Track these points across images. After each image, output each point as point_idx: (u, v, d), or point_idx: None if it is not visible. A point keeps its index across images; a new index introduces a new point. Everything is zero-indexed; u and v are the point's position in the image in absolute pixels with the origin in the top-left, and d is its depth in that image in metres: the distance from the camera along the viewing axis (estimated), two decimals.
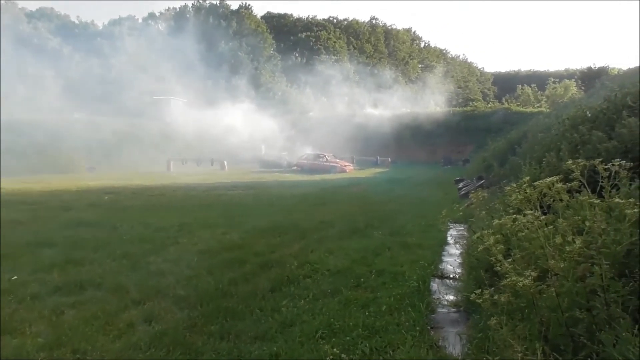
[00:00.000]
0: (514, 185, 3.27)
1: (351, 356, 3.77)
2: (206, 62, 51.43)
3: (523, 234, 2.80)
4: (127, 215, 11.25)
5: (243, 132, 37.95)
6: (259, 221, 10.47)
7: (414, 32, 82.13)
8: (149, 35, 53.34)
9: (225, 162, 34.93)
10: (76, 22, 61.02)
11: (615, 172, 2.94)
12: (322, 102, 56.50)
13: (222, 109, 40.27)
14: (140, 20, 62.80)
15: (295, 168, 34.90)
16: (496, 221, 2.92)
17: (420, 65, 78.30)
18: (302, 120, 48.88)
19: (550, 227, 2.75)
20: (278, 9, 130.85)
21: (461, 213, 8.28)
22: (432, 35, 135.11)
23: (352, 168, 33.88)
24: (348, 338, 4.08)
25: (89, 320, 4.54)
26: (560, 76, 58.77)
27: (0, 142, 25.66)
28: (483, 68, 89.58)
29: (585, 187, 2.97)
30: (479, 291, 2.73)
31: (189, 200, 15.13)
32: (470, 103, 56.89)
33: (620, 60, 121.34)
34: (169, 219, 10.62)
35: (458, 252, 6.98)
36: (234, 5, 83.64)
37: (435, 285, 5.49)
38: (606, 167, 2.91)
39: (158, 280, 5.78)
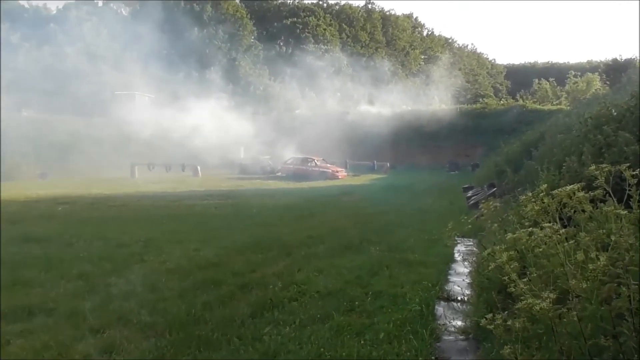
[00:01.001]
0: (530, 194, 3.28)
1: None
2: (176, 52, 51.32)
3: (540, 249, 2.78)
4: (84, 229, 11.19)
5: (219, 133, 37.92)
6: (237, 236, 10.50)
7: (416, 19, 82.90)
8: (109, 20, 53.03)
9: (199, 168, 34.91)
10: (26, 5, 60.70)
11: None
12: (310, 98, 56.75)
13: (194, 107, 40.23)
14: (100, 4, 62.55)
15: (279, 174, 34.89)
16: (510, 235, 2.91)
17: (422, 57, 79.02)
18: (286, 119, 49.03)
19: (571, 242, 2.72)
20: None
21: (470, 226, 8.30)
22: (436, 22, 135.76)
23: (345, 174, 34.06)
24: None
25: (39, 352, 4.49)
26: (582, 69, 59.28)
27: (0, 144, 26.80)
28: (494, 60, 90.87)
29: (610, 196, 2.95)
30: (490, 316, 2.69)
31: (157, 211, 15.14)
32: (480, 100, 57.47)
33: None
34: (133, 233, 10.60)
35: (466, 270, 7.02)
36: None
37: (440, 309, 5.52)
38: (634, 173, 2.87)
39: (120, 304, 5.74)
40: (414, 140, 45.16)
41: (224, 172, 36.33)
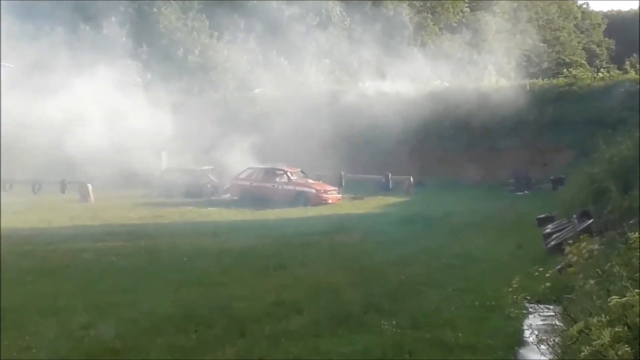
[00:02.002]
0: None
1: None
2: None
3: None
4: None
5: (123, 130, 37.83)
6: (155, 302, 10.52)
7: None
8: None
9: (90, 187, 34.86)
10: None
11: None
12: (279, 68, 56.95)
13: (79, 84, 40.08)
14: None
15: (227, 196, 35.30)
16: (615, 299, 2.91)
17: (466, 3, 78.59)
18: (240, 104, 49.32)
19: None
20: None
21: (549, 283, 8.35)
22: None
23: (339, 196, 34.28)
24: None
25: None
26: None
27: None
28: (587, 5, 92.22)
29: None
30: None
31: (17, 262, 14.98)
32: (565, 71, 57.72)
33: None
34: None
35: (545, 359, 7.05)
36: None
37: None
38: None
39: None
40: (454, 139, 45.24)
41: (132, 194, 36.33)
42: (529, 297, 9.24)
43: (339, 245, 18.06)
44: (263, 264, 14.53)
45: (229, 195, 35.16)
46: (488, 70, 58.28)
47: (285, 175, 34.47)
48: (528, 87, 47.39)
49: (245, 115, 45.50)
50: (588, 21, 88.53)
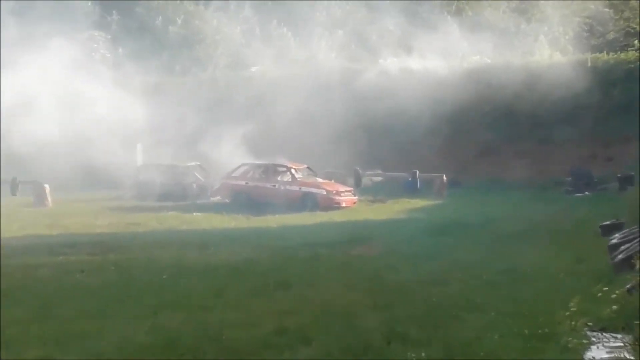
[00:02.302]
0: None
1: None
2: None
3: None
4: None
5: (87, 117, 37.86)
6: (128, 331, 10.50)
7: None
8: None
9: (47, 188, 34.95)
10: None
11: None
12: (281, 41, 56.92)
13: (37, 61, 40.05)
14: None
15: (216, 199, 35.59)
16: None
17: None
18: (233, 86, 49.59)
19: None
20: None
21: (616, 306, 8.32)
22: None
23: (354, 199, 34.49)
24: None
25: None
26: None
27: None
28: None
29: None
30: None
31: None
32: (637, 42, 57.28)
33: None
34: None
35: None
36: None
37: None
38: None
39: None
40: (497, 128, 45.08)
41: (100, 197, 36.57)
42: (591, 324, 9.25)
43: (355, 260, 18.10)
44: (261, 283, 14.50)
45: (219, 197, 35.40)
46: (539, 42, 57.73)
47: (288, 173, 34.60)
48: (589, 64, 47.07)
49: (240, 99, 45.66)
50: None
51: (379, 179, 41.07)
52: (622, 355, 8.01)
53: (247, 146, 38.57)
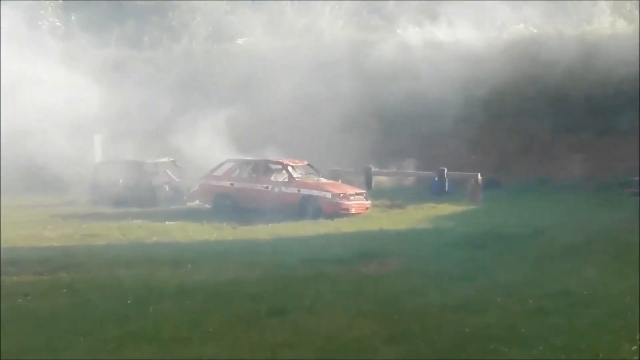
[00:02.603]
0: None
1: None
2: None
3: None
4: None
5: (30, 103, 37.82)
6: None
7: None
8: None
9: None
10: None
11: None
12: (274, 9, 56.78)
13: None
14: None
15: (196, 204, 35.92)
16: None
17: None
18: (214, 62, 49.78)
19: None
20: None
21: None
22: None
23: (367, 204, 34.54)
24: None
25: None
26: None
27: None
28: None
29: None
30: None
31: None
32: None
33: None
34: None
35: None
36: None
37: None
38: None
39: None
40: (545, 115, 45.01)
41: (48, 201, 36.54)
42: None
43: (368, 280, 17.99)
44: (250, 309, 14.32)
45: (197, 202, 35.60)
46: (599, 7, 57.51)
47: (284, 171, 34.62)
48: None
49: (223, 79, 45.72)
50: None
51: (397, 178, 41.09)
52: None
53: (233, 138, 38.54)
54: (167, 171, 38.09)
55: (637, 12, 55.91)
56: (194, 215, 32.69)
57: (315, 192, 33.33)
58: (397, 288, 16.72)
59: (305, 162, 35.76)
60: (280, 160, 35.19)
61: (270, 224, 29.13)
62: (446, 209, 34.38)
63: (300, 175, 34.42)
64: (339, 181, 35.69)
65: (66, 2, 50.64)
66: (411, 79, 43.89)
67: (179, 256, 21.54)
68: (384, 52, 47.49)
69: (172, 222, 30.10)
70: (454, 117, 42.92)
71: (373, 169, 39.10)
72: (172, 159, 38.83)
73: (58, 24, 47.01)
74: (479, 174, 40.05)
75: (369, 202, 34.63)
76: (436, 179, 40.35)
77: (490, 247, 22.61)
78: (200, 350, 11.30)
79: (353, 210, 32.81)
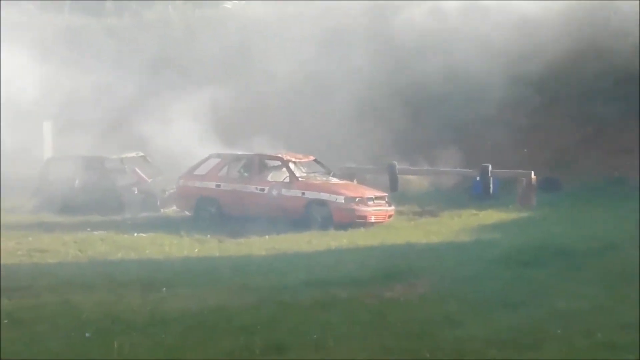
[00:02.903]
0: None
1: None
2: None
3: None
4: None
5: None
6: None
7: None
8: None
9: None
10: None
11: None
12: None
13: None
14: None
15: (172, 210, 36.24)
16: None
17: None
18: (196, 30, 49.94)
19: None
20: None
21: None
22: None
23: (390, 210, 34.57)
24: None
25: None
26: None
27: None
28: None
29: None
30: None
31: None
32: None
33: None
34: None
35: None
36: None
37: None
38: None
39: None
40: (618, 99, 44.84)
41: None
42: None
43: (391, 307, 17.90)
44: (241, 344, 14.24)
45: (174, 208, 35.59)
46: None
47: (284, 168, 34.64)
48: None
49: (207, 53, 45.71)
50: None
51: (429, 178, 41.10)
52: None
53: (219, 127, 38.54)
54: (136, 169, 37.90)
55: None
56: (170, 225, 32.65)
57: (324, 196, 33.29)
58: (429, 317, 16.61)
59: (312, 158, 35.75)
60: (280, 155, 35.14)
61: (266, 236, 29.14)
62: (491, 216, 34.39)
63: (304, 174, 34.42)
64: (354, 181, 35.69)
65: None
66: (445, 53, 43.92)
67: (151, 278, 21.53)
68: (409, 19, 47.43)
69: (143, 234, 30.11)
70: (500, 100, 42.91)
71: (398, 165, 39.04)
72: (141, 154, 38.74)
73: None
74: (533, 172, 40.13)
75: (393, 208, 34.62)
76: (478, 178, 40.34)
77: (548, 266, 22.57)
78: None
79: (372, 219, 32.77)
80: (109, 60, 42.68)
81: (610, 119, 44.50)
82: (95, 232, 30.36)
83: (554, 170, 42.12)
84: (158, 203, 36.09)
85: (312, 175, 34.67)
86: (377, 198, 34.17)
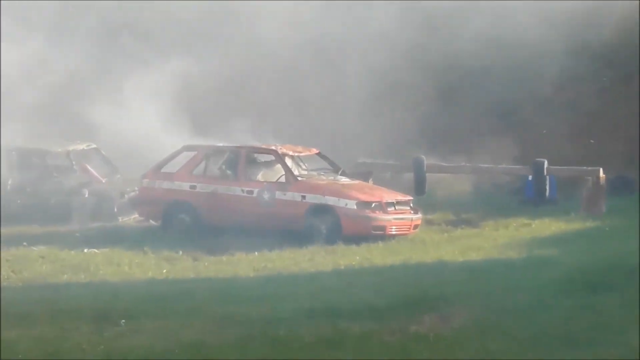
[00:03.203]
0: None
1: None
2: None
3: None
4: None
5: None
6: None
7: None
8: None
9: None
10: None
11: None
12: None
13: None
14: None
15: (134, 219, 36.48)
16: None
17: None
18: None
19: None
20: None
21: None
22: None
23: (416, 219, 34.49)
24: None
25: None
26: None
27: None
28: None
29: None
30: None
31: None
32: None
33: None
34: None
35: None
36: None
37: None
38: None
39: None
40: None
41: None
42: None
43: (419, 345, 17.78)
44: None
45: (136, 216, 35.33)
46: None
47: (278, 165, 34.59)
48: None
49: (174, 10, 45.75)
50: None
51: (466, 177, 41.12)
52: None
53: (193, 110, 38.61)
54: (87, 165, 37.85)
55: None
56: (130, 238, 32.60)
57: (330, 200, 33.18)
58: (467, 356, 16.67)
59: (315, 151, 35.71)
60: (273, 148, 34.97)
61: (256, 253, 29.13)
62: (547, 226, 34.39)
63: (305, 172, 34.33)
64: (370, 181, 35.65)
65: None
66: (489, 15, 44.05)
67: (106, 307, 21.50)
68: None
69: (95, 250, 30.07)
70: (556, 80, 43.04)
71: (426, 161, 38.96)
72: (93, 146, 38.65)
73: None
74: (601, 170, 40.17)
75: (420, 216, 34.52)
76: (530, 178, 40.35)
77: (621, 290, 22.48)
78: None
79: (393, 230, 32.69)
80: (47, 25, 42.72)
81: None
82: (34, 248, 30.34)
83: (627, 167, 42.21)
84: (115, 210, 35.93)
85: (314, 173, 34.57)
86: (399, 203, 34.05)
